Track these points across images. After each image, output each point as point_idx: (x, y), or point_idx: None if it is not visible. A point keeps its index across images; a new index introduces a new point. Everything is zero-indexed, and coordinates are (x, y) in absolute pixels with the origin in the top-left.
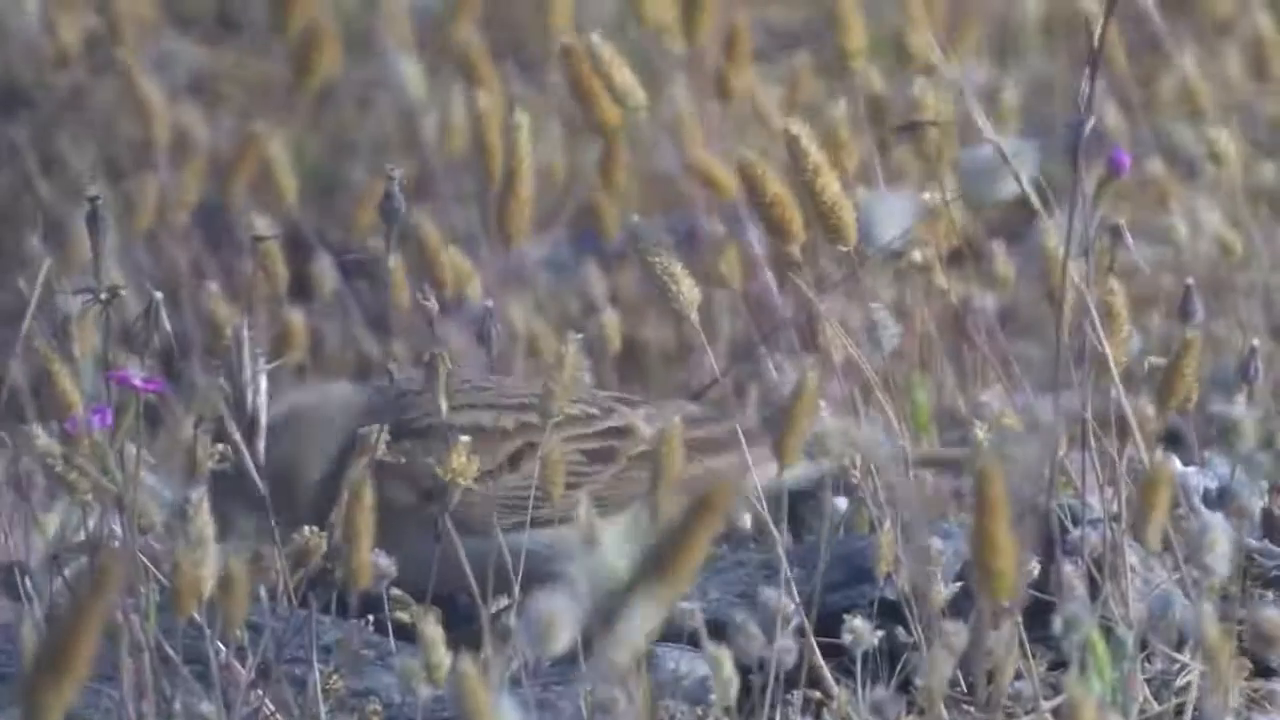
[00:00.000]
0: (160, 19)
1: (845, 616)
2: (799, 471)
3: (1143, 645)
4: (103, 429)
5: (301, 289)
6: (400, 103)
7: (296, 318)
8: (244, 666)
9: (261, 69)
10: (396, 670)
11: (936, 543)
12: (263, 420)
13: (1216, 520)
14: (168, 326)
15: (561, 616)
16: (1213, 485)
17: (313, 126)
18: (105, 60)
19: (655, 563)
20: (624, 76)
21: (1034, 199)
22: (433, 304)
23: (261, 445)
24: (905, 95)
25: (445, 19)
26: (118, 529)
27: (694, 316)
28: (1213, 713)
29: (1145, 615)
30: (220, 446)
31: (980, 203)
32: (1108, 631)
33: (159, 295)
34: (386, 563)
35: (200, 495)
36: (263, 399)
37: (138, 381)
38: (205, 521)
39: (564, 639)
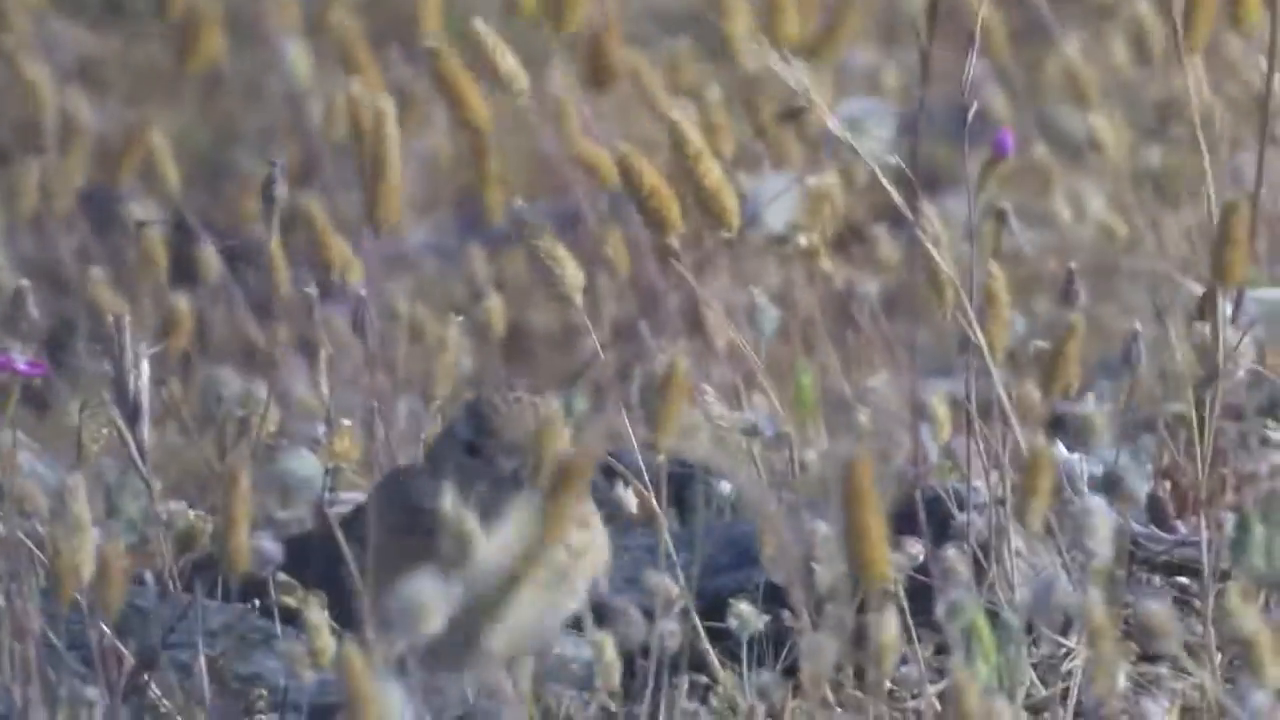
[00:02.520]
0: (47, 3)
1: (731, 601)
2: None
3: (1028, 629)
4: None
5: (186, 274)
6: (287, 89)
7: (181, 303)
8: (128, 651)
9: (148, 54)
10: (281, 655)
11: (821, 526)
12: (145, 404)
13: (1098, 504)
14: (34, 313)
15: (431, 601)
16: (1098, 470)
17: (200, 112)
18: None
19: (530, 537)
20: (507, 62)
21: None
22: (314, 290)
23: (145, 430)
24: (786, 80)
25: (329, 5)
26: None
27: (577, 300)
28: (1098, 697)
29: (1030, 599)
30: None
31: (843, 158)
32: (993, 616)
33: (26, 283)
34: (271, 547)
35: (78, 480)
36: (144, 383)
37: (21, 365)
38: (83, 506)
39: (433, 623)
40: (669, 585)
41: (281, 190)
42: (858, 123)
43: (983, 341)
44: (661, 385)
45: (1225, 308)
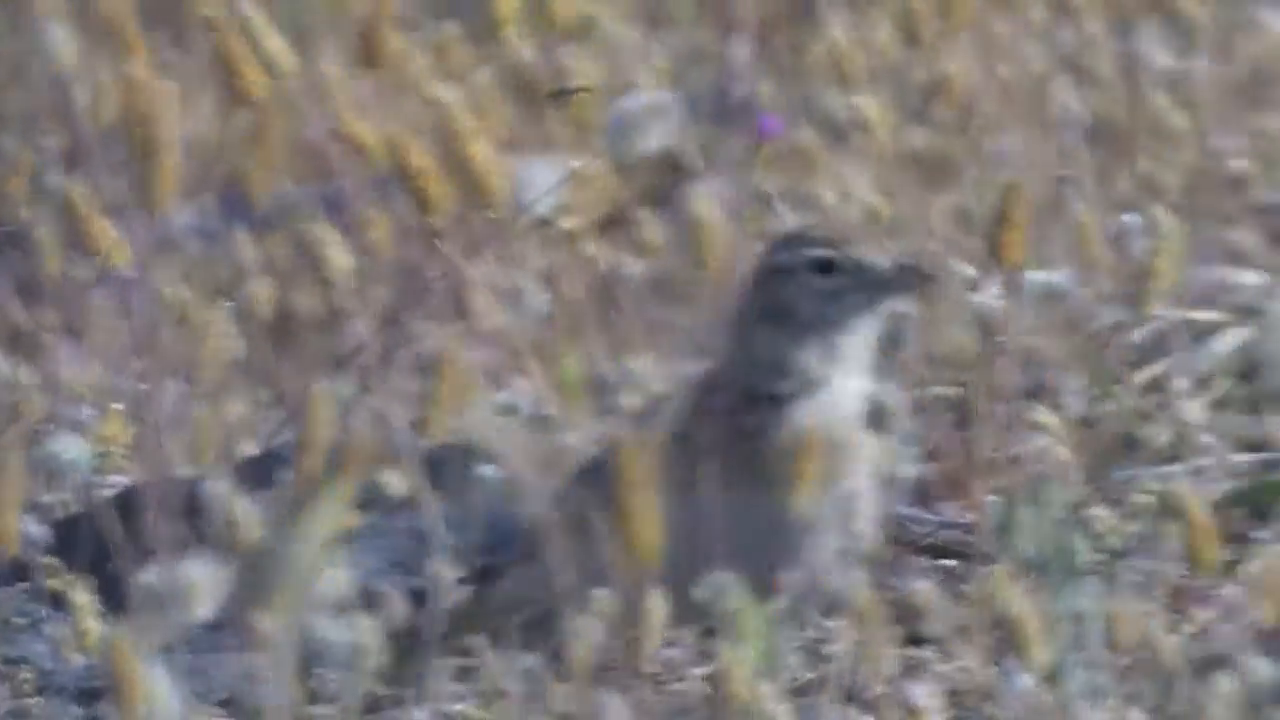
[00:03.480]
0: None
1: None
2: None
3: (793, 612)
4: None
5: None
6: (52, 71)
7: None
8: None
9: None
10: (48, 638)
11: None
12: None
13: (867, 488)
14: None
15: (203, 583)
16: None
17: None
18: None
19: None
20: (273, 44)
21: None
22: (82, 274)
23: None
24: (554, 62)
25: None
26: None
27: (344, 284)
28: (863, 680)
29: (796, 582)
30: None
31: (625, 158)
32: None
33: None
34: (38, 530)
35: None
36: None
37: None
38: None
39: (206, 605)
40: (442, 568)
41: (50, 174)
42: (642, 117)
43: None
44: (433, 368)
45: (996, 289)
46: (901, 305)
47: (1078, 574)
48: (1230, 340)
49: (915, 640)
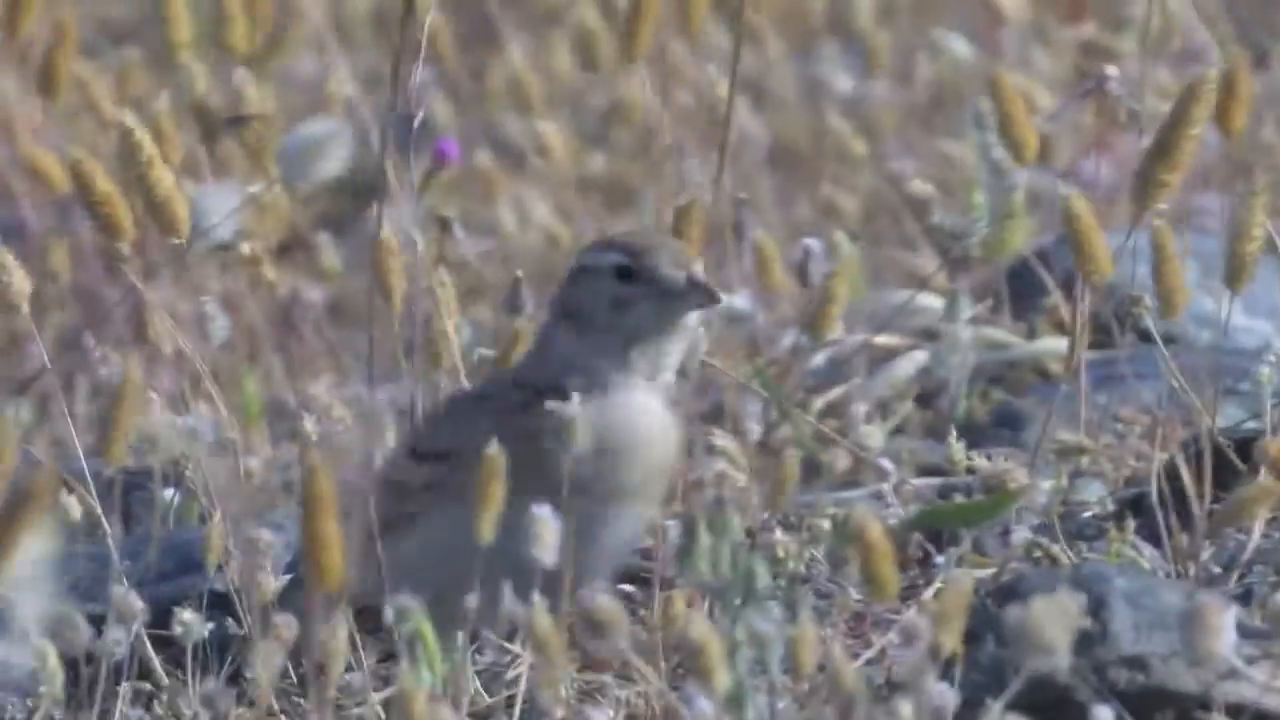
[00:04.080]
0: None
1: (175, 608)
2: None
3: (473, 637)
4: None
5: None
6: None
7: None
8: None
9: None
10: None
11: (266, 534)
12: None
13: (544, 511)
14: None
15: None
16: None
17: None
18: None
19: None
20: None
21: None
22: None
23: None
24: (231, 89)
25: None
26: None
27: (24, 308)
28: (543, 705)
29: (475, 607)
30: None
31: (300, 184)
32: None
33: None
34: None
35: None
36: None
37: None
38: None
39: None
40: (126, 596)
41: None
42: (316, 144)
43: (427, 349)
44: (113, 393)
45: None
46: (692, 320)
47: (757, 598)
48: (909, 364)
49: (590, 664)
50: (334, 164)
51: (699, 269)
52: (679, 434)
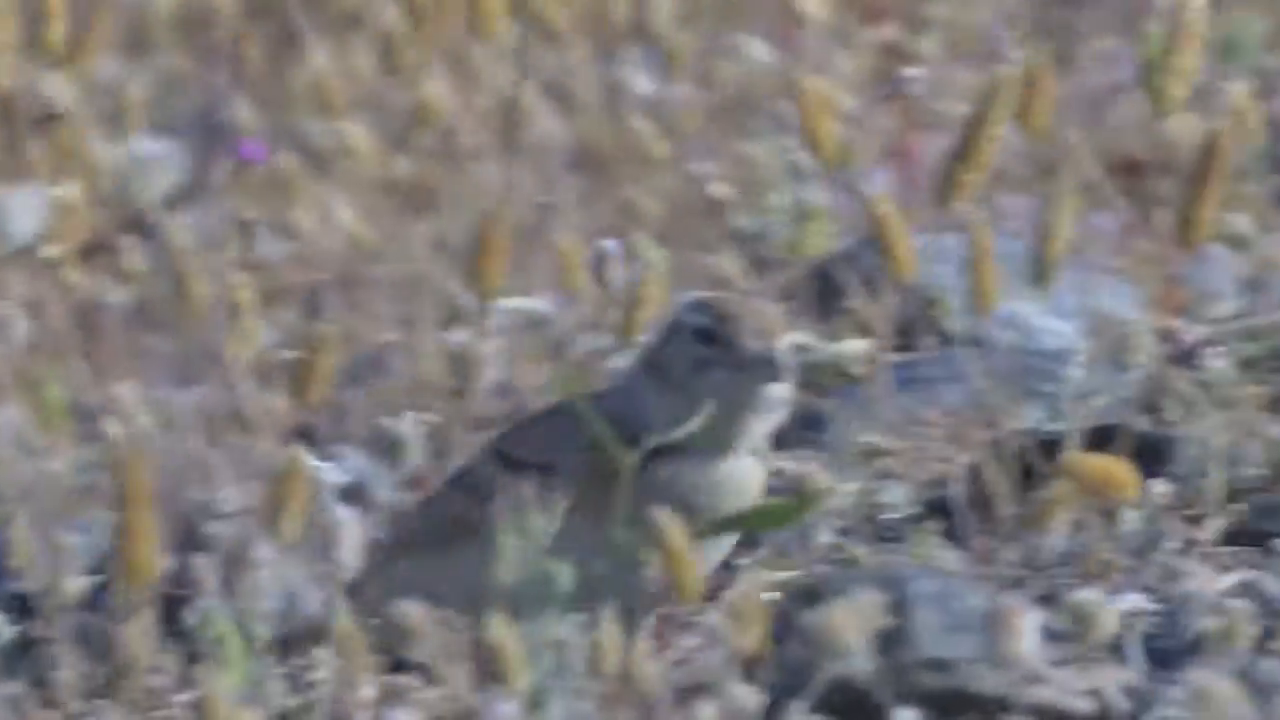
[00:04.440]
0: None
1: None
2: None
3: (278, 639)
4: None
5: None
6: None
7: None
8: None
9: None
10: None
11: (67, 536)
12: None
13: (347, 515)
14: None
15: None
16: (346, 479)
17: None
18: None
19: None
20: None
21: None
22: None
23: None
24: (37, 90)
25: None
26: None
27: None
28: (345, 707)
29: (278, 609)
30: None
31: (133, 199)
32: (241, 626)
33: None
34: None
35: None
36: None
37: None
38: None
39: None
40: None
41: None
42: (145, 163)
43: (229, 352)
44: None
45: (479, 317)
46: (773, 393)
47: (559, 601)
48: None
49: (398, 667)
50: (161, 177)
51: (782, 343)
52: (759, 485)
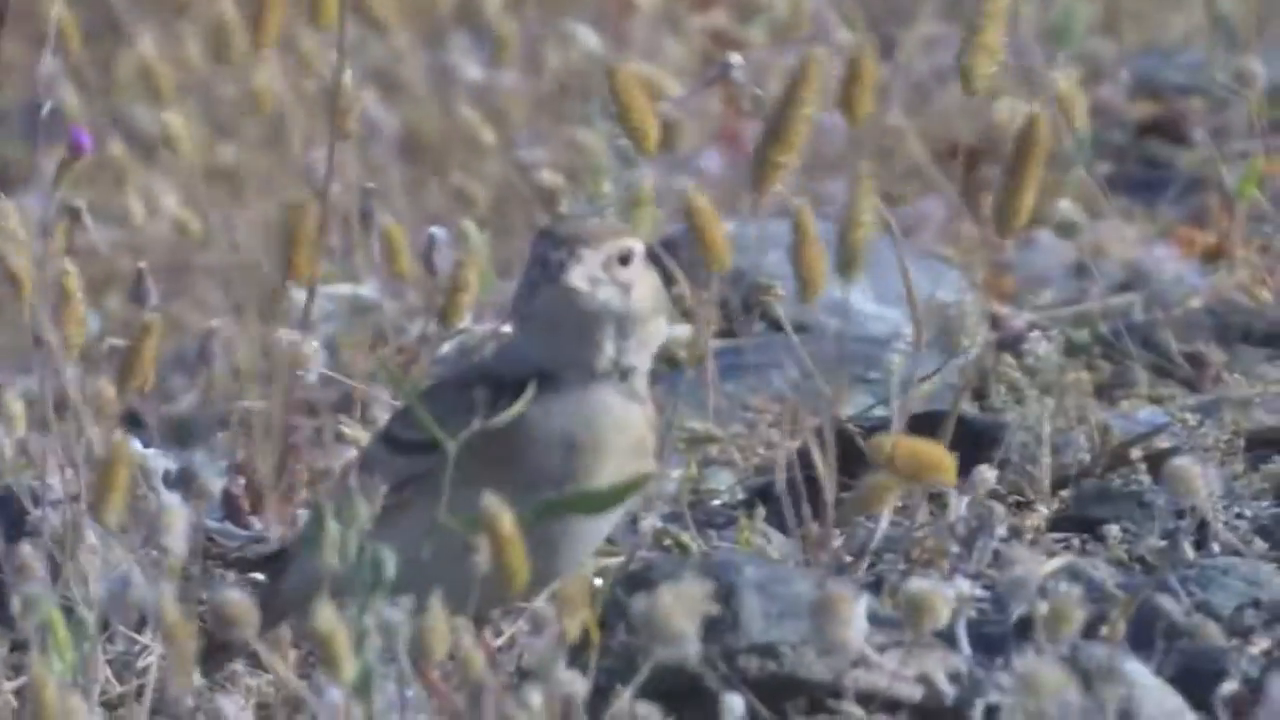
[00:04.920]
0: None
1: None
2: None
3: (104, 626)
4: None
5: None
6: None
7: None
8: None
9: None
10: None
11: None
12: None
13: (174, 501)
14: None
15: None
16: (173, 466)
17: None
18: None
19: None
20: None
21: None
22: None
23: None
24: None
25: None
26: None
27: None
28: (174, 694)
29: (105, 596)
30: None
31: None
32: (69, 612)
33: None
34: None
35: None
36: None
37: None
38: None
39: None
40: None
41: None
42: None
43: (57, 338)
44: None
45: (298, 304)
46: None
47: (385, 587)
48: None
49: (227, 653)
50: None
51: (587, 247)
52: (645, 423)
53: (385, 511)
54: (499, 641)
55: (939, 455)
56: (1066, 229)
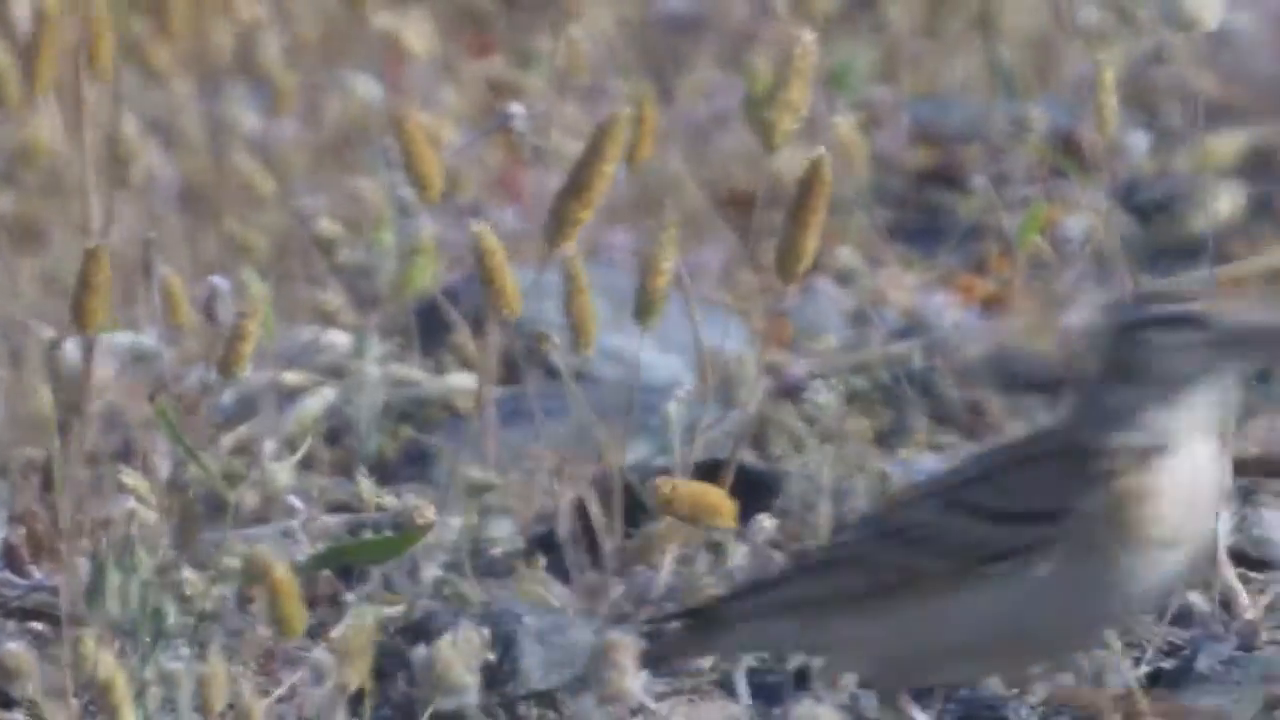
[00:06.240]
0: None
1: None
2: None
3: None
4: None
5: None
6: None
7: None
8: None
9: None
10: None
11: None
12: None
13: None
14: None
15: None
16: None
17: None
18: None
19: None
20: None
21: None
22: None
23: None
24: None
25: None
26: None
27: None
28: None
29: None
30: None
31: None
32: None
33: None
34: None
35: None
36: None
37: None
38: None
39: None
40: None
41: None
42: None
43: None
44: None
45: (84, 354)
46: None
47: (167, 636)
48: (317, 401)
49: (7, 704)
50: None
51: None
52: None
53: (984, 579)
54: (280, 690)
55: (717, 499)
56: (846, 276)
